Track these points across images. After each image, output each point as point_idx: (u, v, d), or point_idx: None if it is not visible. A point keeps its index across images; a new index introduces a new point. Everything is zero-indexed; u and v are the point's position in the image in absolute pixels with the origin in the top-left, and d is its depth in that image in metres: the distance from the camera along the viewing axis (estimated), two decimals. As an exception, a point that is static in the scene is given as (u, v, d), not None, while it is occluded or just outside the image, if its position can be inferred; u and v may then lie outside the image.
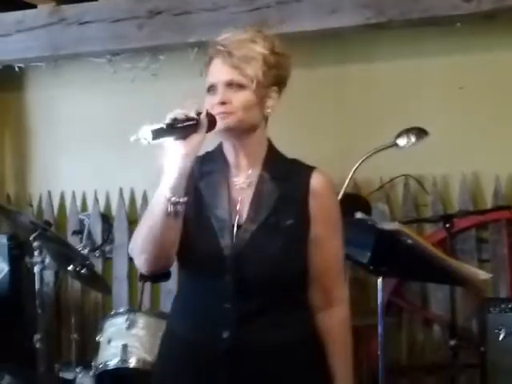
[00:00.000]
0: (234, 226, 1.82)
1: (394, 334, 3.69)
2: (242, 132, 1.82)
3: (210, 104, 1.79)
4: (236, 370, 1.79)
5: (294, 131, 3.65)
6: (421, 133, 3.28)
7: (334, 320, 1.91)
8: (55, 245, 3.51)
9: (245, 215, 1.83)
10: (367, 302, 3.48)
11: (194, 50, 3.72)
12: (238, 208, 1.84)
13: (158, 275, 2.72)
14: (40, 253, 3.35)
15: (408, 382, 3.80)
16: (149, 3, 3.75)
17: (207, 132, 1.73)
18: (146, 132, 1.61)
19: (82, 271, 3.40)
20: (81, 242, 4.28)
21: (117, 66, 4.13)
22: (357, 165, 3.25)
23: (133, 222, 4.20)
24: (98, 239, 4.38)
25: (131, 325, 3.19)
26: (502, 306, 3.10)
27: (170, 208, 1.71)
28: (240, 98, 1.78)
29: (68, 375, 3.72)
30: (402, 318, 3.83)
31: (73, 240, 4.25)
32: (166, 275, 2.95)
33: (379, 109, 3.83)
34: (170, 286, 3.81)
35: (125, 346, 3.13)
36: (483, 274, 2.53)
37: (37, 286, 3.38)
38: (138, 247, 1.80)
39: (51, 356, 3.87)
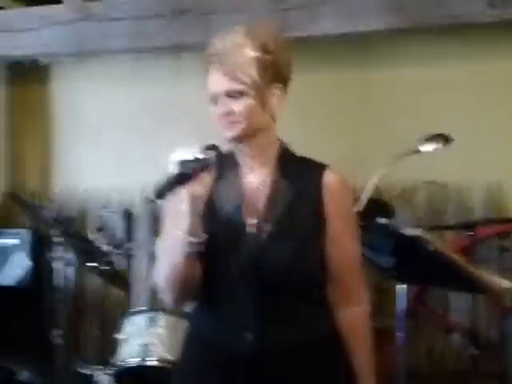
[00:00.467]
0: (249, 227, 1.81)
1: (413, 340, 3.66)
2: (249, 137, 1.82)
3: (215, 114, 1.80)
4: (259, 370, 1.79)
5: (316, 135, 3.63)
6: (444, 139, 3.26)
7: (356, 318, 1.90)
8: (77, 241, 3.53)
9: (260, 216, 1.82)
10: (386, 306, 3.46)
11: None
12: (252, 209, 1.83)
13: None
14: (62, 249, 3.37)
15: (426, 390, 3.79)
16: (174, 2, 3.78)
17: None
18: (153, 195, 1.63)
19: (103, 268, 3.41)
20: (103, 238, 4.29)
21: (140, 63, 4.15)
22: (383, 171, 3.23)
23: (156, 220, 4.20)
24: (121, 236, 4.39)
25: (152, 323, 3.20)
26: (523, 315, 3.08)
27: (191, 249, 1.73)
28: (241, 105, 1.77)
29: (86, 371, 3.72)
30: (420, 324, 3.80)
31: (94, 236, 4.27)
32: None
33: (402, 113, 3.81)
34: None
35: (145, 345, 3.13)
36: (505, 283, 2.51)
37: (58, 281, 3.39)
38: (163, 284, 1.82)
39: (70, 352, 3.88)
